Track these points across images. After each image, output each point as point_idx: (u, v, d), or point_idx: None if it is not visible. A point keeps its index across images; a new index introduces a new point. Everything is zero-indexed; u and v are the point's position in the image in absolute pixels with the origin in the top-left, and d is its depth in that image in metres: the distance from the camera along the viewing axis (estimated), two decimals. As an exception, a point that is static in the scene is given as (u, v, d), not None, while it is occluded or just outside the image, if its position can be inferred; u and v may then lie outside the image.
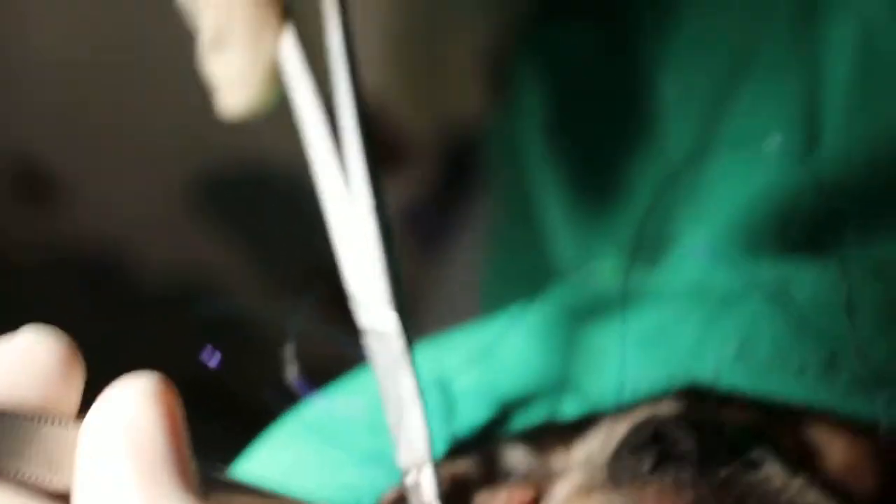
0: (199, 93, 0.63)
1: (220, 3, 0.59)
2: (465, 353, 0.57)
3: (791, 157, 0.70)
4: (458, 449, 0.54)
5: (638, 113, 0.77)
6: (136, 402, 0.40)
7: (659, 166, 0.76)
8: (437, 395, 0.55)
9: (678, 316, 0.56)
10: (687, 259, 0.64)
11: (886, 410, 0.53)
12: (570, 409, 0.54)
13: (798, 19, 0.75)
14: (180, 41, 0.64)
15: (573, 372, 0.55)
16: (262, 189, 1.00)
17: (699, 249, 0.63)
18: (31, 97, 0.98)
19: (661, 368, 0.54)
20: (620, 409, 0.54)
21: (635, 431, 0.52)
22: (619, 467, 0.51)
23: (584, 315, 0.58)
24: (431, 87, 1.00)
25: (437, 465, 0.51)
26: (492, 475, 0.53)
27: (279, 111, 0.60)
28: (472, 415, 0.54)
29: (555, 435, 0.54)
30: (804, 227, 0.67)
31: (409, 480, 0.51)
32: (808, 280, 0.58)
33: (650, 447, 0.50)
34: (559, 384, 0.55)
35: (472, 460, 0.54)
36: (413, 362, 0.52)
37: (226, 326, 0.58)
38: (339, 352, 0.53)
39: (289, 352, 0.55)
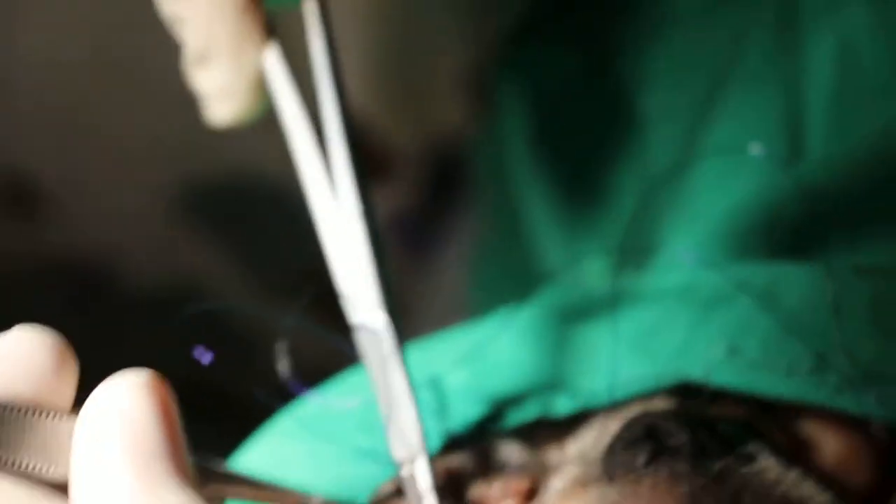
0: (186, 102, 0.64)
1: (203, 20, 0.60)
2: (457, 352, 0.57)
3: (775, 164, 0.70)
4: (452, 445, 0.54)
5: (621, 125, 0.78)
6: (130, 394, 0.40)
7: (643, 177, 0.76)
8: (430, 393, 0.55)
9: (667, 316, 0.57)
10: (675, 262, 0.64)
11: (875, 409, 0.53)
12: (562, 407, 0.54)
13: (779, 30, 0.76)
14: (167, 52, 0.64)
15: (565, 371, 0.55)
16: (251, 196, 1.00)
17: (686, 253, 0.64)
18: (18, 109, 0.97)
19: (651, 368, 0.54)
20: (613, 406, 0.54)
21: (629, 427, 0.52)
22: (613, 462, 0.51)
23: (574, 315, 0.58)
24: (415, 100, 1.00)
25: (432, 459, 0.51)
26: (486, 469, 0.53)
27: (267, 119, 0.61)
28: (464, 412, 0.54)
29: (548, 431, 0.54)
30: (789, 232, 0.68)
31: (404, 472, 0.51)
32: (794, 282, 0.58)
33: (644, 442, 0.51)
34: (551, 383, 0.55)
35: (466, 455, 0.54)
36: (404, 358, 0.52)
37: (216, 327, 0.58)
38: (329, 350, 0.54)
39: (280, 349, 0.55)
